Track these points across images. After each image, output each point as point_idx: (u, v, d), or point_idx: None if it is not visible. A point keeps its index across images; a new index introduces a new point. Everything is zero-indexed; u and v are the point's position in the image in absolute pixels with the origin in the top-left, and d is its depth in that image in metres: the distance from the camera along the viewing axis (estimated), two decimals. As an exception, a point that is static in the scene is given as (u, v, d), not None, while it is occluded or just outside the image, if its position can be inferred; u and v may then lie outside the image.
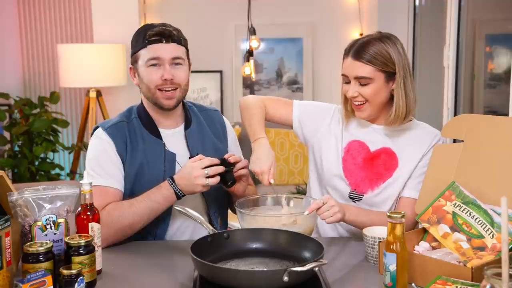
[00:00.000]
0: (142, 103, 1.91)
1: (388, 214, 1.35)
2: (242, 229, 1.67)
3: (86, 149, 1.88)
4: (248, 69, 4.16)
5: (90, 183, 1.51)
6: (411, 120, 1.87)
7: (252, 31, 4.12)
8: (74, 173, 4.07)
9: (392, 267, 1.34)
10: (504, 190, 1.48)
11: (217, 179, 1.72)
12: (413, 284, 1.41)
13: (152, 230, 1.82)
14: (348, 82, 1.80)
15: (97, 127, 1.87)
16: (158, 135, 1.86)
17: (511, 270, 1.03)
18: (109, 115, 3.86)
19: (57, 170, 4.06)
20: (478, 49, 3.58)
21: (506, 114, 2.68)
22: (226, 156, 1.79)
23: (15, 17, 4.45)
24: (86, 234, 1.46)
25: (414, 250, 1.57)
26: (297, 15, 4.54)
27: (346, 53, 1.80)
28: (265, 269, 1.46)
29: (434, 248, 1.57)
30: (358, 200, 1.85)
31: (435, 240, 1.56)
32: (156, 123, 1.88)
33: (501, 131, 1.64)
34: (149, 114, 1.88)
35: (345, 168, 1.87)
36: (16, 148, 3.98)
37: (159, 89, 1.80)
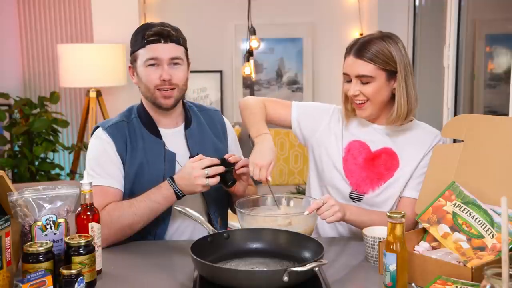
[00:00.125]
0: (142, 102, 1.91)
1: (388, 214, 1.35)
2: (242, 229, 1.67)
3: (86, 149, 1.88)
4: (248, 69, 4.16)
5: (90, 183, 1.51)
6: (411, 120, 1.88)
7: (252, 31, 4.12)
8: (74, 173, 4.07)
9: (392, 267, 1.34)
10: (504, 190, 1.48)
11: (217, 179, 1.72)
12: (413, 284, 1.41)
13: (152, 230, 1.82)
14: (349, 81, 1.80)
15: (97, 127, 1.87)
16: (158, 135, 1.86)
17: (511, 270, 1.03)
18: (109, 115, 3.86)
19: (57, 170, 4.06)
20: (478, 49, 3.59)
21: (506, 114, 2.68)
22: (226, 156, 1.79)
23: (15, 17, 4.45)
24: (86, 234, 1.46)
25: (414, 250, 1.57)
26: (297, 15, 4.54)
27: (348, 52, 1.80)
28: (265, 269, 1.45)
29: (434, 248, 1.57)
30: (358, 200, 1.85)
31: (435, 240, 1.56)
32: (156, 122, 1.88)
33: (501, 131, 1.64)
34: (149, 114, 1.88)
35: (346, 168, 1.87)
36: (16, 148, 3.99)
37: (158, 89, 1.80)
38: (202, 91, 4.60)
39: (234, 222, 2.20)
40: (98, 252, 1.50)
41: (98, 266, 1.50)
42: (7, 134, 3.99)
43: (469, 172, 1.65)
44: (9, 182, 1.47)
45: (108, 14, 4.10)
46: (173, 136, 1.89)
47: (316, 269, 1.31)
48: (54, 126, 3.98)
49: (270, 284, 1.32)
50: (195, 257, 1.37)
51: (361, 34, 4.40)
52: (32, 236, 1.43)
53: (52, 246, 1.39)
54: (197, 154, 1.77)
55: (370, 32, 1.91)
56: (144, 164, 1.81)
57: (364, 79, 1.76)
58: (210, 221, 1.87)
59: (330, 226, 1.89)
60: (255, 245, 1.56)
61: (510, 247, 1.38)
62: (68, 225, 1.48)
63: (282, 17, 4.51)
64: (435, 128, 1.90)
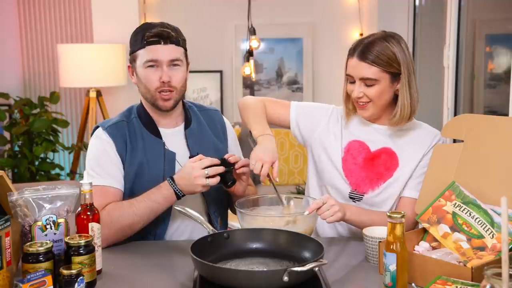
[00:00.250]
0: (141, 102, 1.91)
1: (388, 214, 1.35)
2: (242, 229, 1.67)
3: (86, 149, 1.88)
4: (248, 69, 4.16)
5: (90, 183, 1.51)
6: (411, 120, 1.87)
7: (252, 31, 4.12)
8: (74, 173, 4.07)
9: (392, 267, 1.34)
10: (504, 190, 1.48)
11: (217, 179, 1.72)
12: (413, 284, 1.41)
13: (152, 230, 1.82)
14: (353, 82, 1.80)
15: (97, 127, 1.87)
16: (158, 135, 1.86)
17: (511, 270, 1.03)
18: (109, 115, 3.86)
19: (57, 170, 4.06)
20: (478, 49, 3.59)
21: (506, 114, 2.68)
22: (226, 156, 1.79)
23: (15, 17, 4.45)
24: (86, 234, 1.46)
25: (414, 250, 1.57)
26: (297, 15, 4.54)
27: (351, 53, 1.79)
28: (265, 269, 1.45)
29: (434, 248, 1.57)
30: (358, 200, 1.85)
31: (435, 240, 1.56)
32: (156, 122, 1.88)
33: (501, 131, 1.64)
34: (148, 114, 1.88)
35: (345, 168, 1.87)
36: (16, 148, 3.99)
37: (158, 92, 1.80)
38: (202, 91, 4.60)
39: (234, 222, 2.20)
40: (98, 252, 1.50)
41: (98, 266, 1.50)
42: (7, 134, 3.99)
43: (469, 172, 1.65)
44: (9, 182, 1.47)
45: (108, 14, 4.10)
46: (173, 136, 1.89)
47: (316, 269, 1.31)
48: (54, 126, 3.98)
49: (270, 284, 1.32)
50: (195, 257, 1.37)
51: (361, 34, 4.40)
52: (32, 236, 1.43)
53: (52, 246, 1.39)
54: (197, 154, 1.77)
55: (370, 32, 1.91)
56: (144, 164, 1.81)
57: (368, 82, 1.76)
58: (210, 221, 1.87)
59: (329, 226, 1.89)
60: (255, 245, 1.56)
61: (510, 247, 1.38)
62: (68, 225, 1.48)
63: (282, 17, 4.51)
64: (435, 128, 1.90)
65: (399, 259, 1.34)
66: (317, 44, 4.59)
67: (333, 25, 4.54)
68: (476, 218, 1.51)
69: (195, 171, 1.69)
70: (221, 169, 1.73)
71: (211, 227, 1.60)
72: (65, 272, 1.33)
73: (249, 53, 4.17)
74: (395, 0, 4.26)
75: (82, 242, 1.41)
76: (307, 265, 1.31)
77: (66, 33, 4.47)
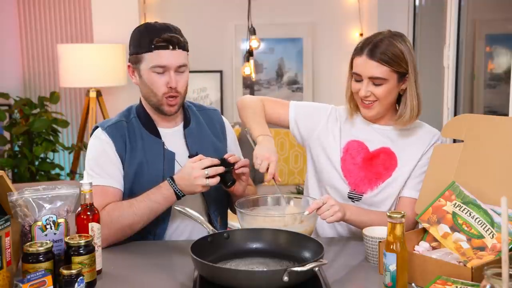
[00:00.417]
0: (141, 103, 1.90)
1: (388, 214, 1.35)
2: (242, 229, 1.67)
3: (86, 149, 1.88)
4: (248, 69, 4.17)
5: (90, 183, 1.51)
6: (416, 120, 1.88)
7: (252, 31, 4.12)
8: (74, 173, 4.07)
9: (392, 267, 1.34)
10: (504, 190, 1.48)
11: (217, 179, 1.72)
12: (413, 284, 1.41)
13: (152, 230, 1.82)
14: (359, 81, 1.79)
15: (96, 127, 1.87)
16: (157, 134, 1.86)
17: (511, 270, 1.03)
18: (109, 115, 3.86)
19: (57, 170, 4.06)
20: (478, 49, 3.59)
21: (506, 114, 2.68)
22: (226, 156, 1.79)
23: (15, 17, 4.45)
24: (86, 234, 1.46)
25: (414, 250, 1.57)
26: (297, 15, 4.54)
27: (358, 52, 1.78)
28: (265, 269, 1.45)
29: (434, 248, 1.57)
30: (357, 200, 1.85)
31: (435, 240, 1.56)
32: (155, 122, 1.88)
33: (501, 131, 1.64)
34: (148, 114, 1.88)
35: (344, 168, 1.87)
36: (16, 148, 3.99)
37: (165, 97, 1.80)
38: (202, 91, 4.60)
39: (234, 222, 2.20)
40: (98, 252, 1.50)
41: (98, 266, 1.50)
42: (7, 134, 3.99)
43: (469, 172, 1.65)
44: (9, 182, 1.47)
45: (108, 14, 4.10)
46: (172, 135, 1.89)
47: (316, 269, 1.31)
48: (54, 126, 3.98)
49: (270, 284, 1.32)
50: (195, 257, 1.37)
51: (361, 34, 4.40)
52: (32, 236, 1.43)
53: (52, 246, 1.39)
54: (196, 153, 1.77)
55: (370, 32, 1.91)
56: (144, 164, 1.81)
57: (377, 81, 1.75)
58: (210, 221, 1.87)
59: (329, 226, 1.89)
60: (255, 245, 1.56)
61: (510, 247, 1.38)
62: (68, 225, 1.48)
63: (282, 17, 4.51)
64: (434, 128, 1.90)
65: (399, 259, 1.34)
66: (317, 44, 4.59)
67: (333, 25, 4.54)
68: (476, 218, 1.51)
69: (195, 171, 1.69)
70: (221, 169, 1.73)
71: (211, 227, 1.60)
72: (65, 272, 1.33)
73: (249, 53, 4.17)
74: (395, 0, 4.26)
75: (82, 242, 1.41)
76: (307, 265, 1.31)
77: (66, 33, 4.48)
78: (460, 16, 3.32)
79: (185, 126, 1.91)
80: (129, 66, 1.86)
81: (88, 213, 1.49)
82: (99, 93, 3.93)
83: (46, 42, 4.48)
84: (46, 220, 1.44)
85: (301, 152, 4.19)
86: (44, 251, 1.36)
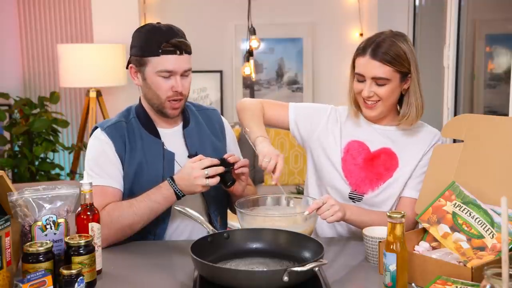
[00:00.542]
0: (140, 103, 1.90)
1: (388, 214, 1.35)
2: (242, 229, 1.67)
3: (86, 149, 1.88)
4: (248, 69, 4.16)
5: (90, 183, 1.51)
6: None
7: (252, 31, 4.12)
8: (74, 173, 4.07)
9: (392, 267, 1.34)
10: (504, 190, 1.48)
11: (217, 179, 1.72)
12: (413, 284, 1.41)
13: (152, 230, 1.82)
14: (362, 81, 1.79)
15: (96, 128, 1.87)
16: (156, 135, 1.86)
17: (511, 270, 1.03)
18: (109, 115, 3.86)
19: (57, 170, 4.06)
20: (478, 49, 3.59)
21: (506, 114, 2.68)
22: (225, 156, 1.79)
23: (15, 17, 4.45)
24: (86, 234, 1.46)
25: (414, 250, 1.57)
26: (297, 15, 4.54)
27: (361, 52, 1.78)
28: (265, 269, 1.45)
29: (434, 248, 1.57)
30: (358, 201, 1.85)
31: (435, 240, 1.56)
32: (154, 122, 1.88)
33: (501, 131, 1.64)
34: (147, 114, 1.88)
35: (345, 168, 1.87)
36: (16, 148, 3.99)
37: (169, 100, 1.80)
38: (202, 91, 4.60)
39: (234, 222, 2.20)
40: (98, 252, 1.50)
41: (98, 266, 1.50)
42: (7, 134, 3.99)
43: (469, 172, 1.65)
44: (9, 182, 1.47)
45: (108, 14, 4.10)
46: (172, 135, 1.89)
47: (316, 269, 1.31)
48: (54, 126, 3.98)
49: (270, 284, 1.32)
50: (195, 257, 1.37)
51: (361, 34, 4.40)
52: (32, 236, 1.43)
53: (52, 246, 1.39)
54: (196, 153, 1.77)
55: (370, 32, 1.91)
56: (143, 164, 1.81)
57: (380, 81, 1.75)
58: (210, 221, 1.87)
59: (328, 226, 1.89)
60: (255, 245, 1.56)
61: (510, 247, 1.38)
62: (68, 225, 1.48)
63: (282, 17, 4.51)
64: (434, 128, 1.90)
65: (399, 259, 1.34)
66: (317, 44, 4.59)
67: (333, 25, 4.54)
68: (476, 218, 1.51)
69: (195, 171, 1.69)
70: (220, 169, 1.73)
71: (211, 227, 1.60)
72: (65, 272, 1.33)
73: (249, 53, 4.16)
74: (395, 0, 4.26)
75: (82, 242, 1.41)
76: (307, 265, 1.31)
77: (66, 33, 4.48)
78: (460, 16, 3.32)
79: (184, 126, 1.91)
80: (131, 67, 1.85)
81: (88, 213, 1.49)
82: (99, 93, 3.93)
83: (46, 42, 4.49)
84: (46, 220, 1.44)
85: (301, 152, 4.19)
86: (44, 251, 1.36)
